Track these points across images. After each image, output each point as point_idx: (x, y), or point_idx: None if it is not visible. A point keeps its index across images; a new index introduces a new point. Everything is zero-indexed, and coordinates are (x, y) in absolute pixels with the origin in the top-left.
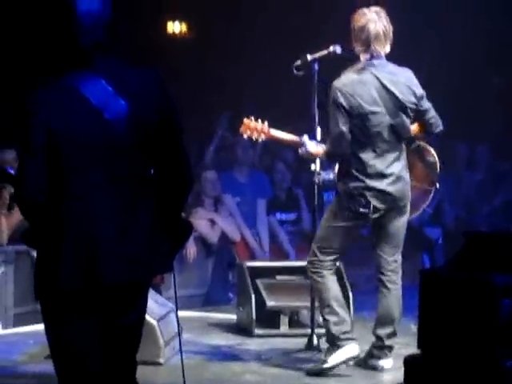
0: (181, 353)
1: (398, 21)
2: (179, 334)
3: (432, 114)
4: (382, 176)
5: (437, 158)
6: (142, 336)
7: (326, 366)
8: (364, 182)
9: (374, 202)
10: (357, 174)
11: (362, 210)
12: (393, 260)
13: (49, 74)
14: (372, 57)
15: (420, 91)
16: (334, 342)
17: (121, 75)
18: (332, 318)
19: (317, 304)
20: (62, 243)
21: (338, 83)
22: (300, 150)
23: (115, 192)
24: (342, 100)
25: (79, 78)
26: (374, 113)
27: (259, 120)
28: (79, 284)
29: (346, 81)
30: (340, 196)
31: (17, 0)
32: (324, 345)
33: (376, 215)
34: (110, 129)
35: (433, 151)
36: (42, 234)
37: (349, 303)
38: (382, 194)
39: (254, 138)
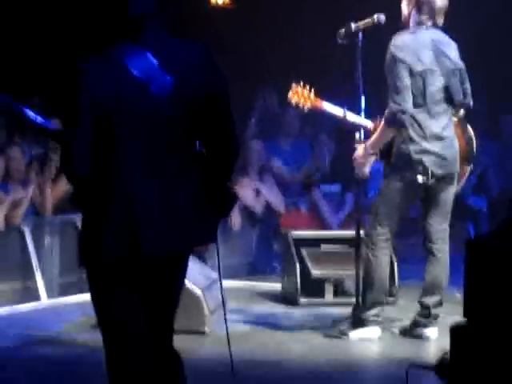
0: (225, 323)
1: None
2: (223, 304)
3: (469, 85)
4: (437, 138)
5: (473, 136)
6: (178, 303)
7: (344, 338)
8: (421, 144)
9: (432, 168)
10: (413, 135)
11: (420, 177)
12: (442, 229)
13: (98, 44)
14: (430, 26)
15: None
16: (361, 319)
17: (169, 49)
18: (369, 297)
19: (362, 273)
20: (106, 214)
21: (396, 41)
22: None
23: (159, 163)
24: (402, 55)
25: (126, 50)
26: (431, 71)
27: (307, 86)
28: (121, 256)
29: (405, 39)
30: (396, 165)
31: None
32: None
33: (432, 182)
34: (155, 102)
35: (471, 129)
36: (88, 203)
37: (394, 272)
38: (438, 157)
39: (300, 105)
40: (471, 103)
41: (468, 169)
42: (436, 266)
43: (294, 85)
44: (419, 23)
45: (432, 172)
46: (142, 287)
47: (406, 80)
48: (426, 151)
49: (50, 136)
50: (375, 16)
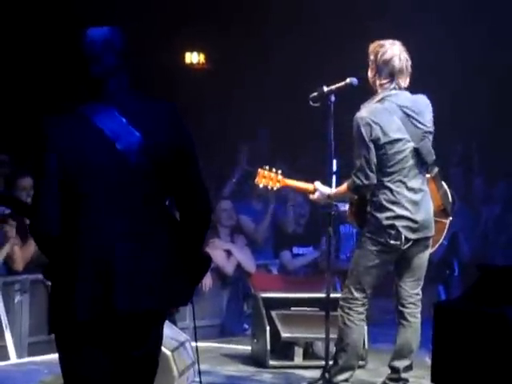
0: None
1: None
2: (198, 364)
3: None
4: (409, 203)
5: (447, 189)
6: (157, 368)
7: None
8: (393, 210)
9: (405, 233)
10: (384, 203)
11: (393, 242)
12: (414, 293)
13: (64, 104)
14: (393, 89)
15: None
16: (331, 382)
17: (135, 107)
18: (341, 361)
19: (333, 336)
20: (77, 274)
21: (360, 114)
22: (311, 196)
23: (130, 222)
24: (365, 130)
25: (93, 108)
26: (398, 140)
27: (273, 169)
28: (94, 314)
29: (369, 110)
30: (369, 230)
31: (34, 28)
32: None
33: (406, 246)
34: (123, 159)
35: (444, 184)
36: (57, 266)
37: (364, 334)
38: (411, 222)
39: (269, 187)
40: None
41: (447, 222)
42: (407, 330)
43: (260, 170)
44: (381, 87)
45: (405, 236)
46: (113, 347)
47: (371, 153)
48: (398, 216)
49: (15, 210)
50: (348, 79)
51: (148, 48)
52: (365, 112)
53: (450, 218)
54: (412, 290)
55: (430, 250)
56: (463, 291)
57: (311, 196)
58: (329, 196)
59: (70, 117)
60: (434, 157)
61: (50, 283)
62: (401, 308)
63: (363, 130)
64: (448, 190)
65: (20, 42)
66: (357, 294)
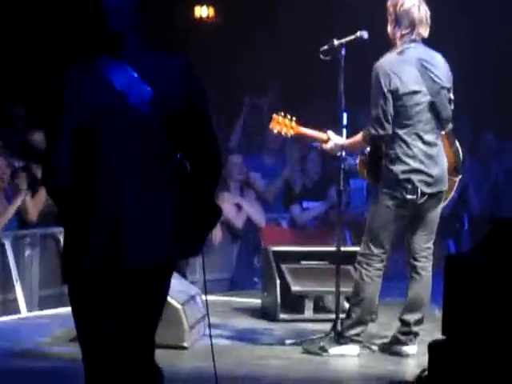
0: (210, 337)
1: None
2: (208, 318)
3: (452, 106)
4: (425, 157)
5: (459, 147)
6: (161, 318)
7: (324, 354)
8: (408, 163)
9: (421, 186)
10: (400, 155)
11: (409, 196)
12: (426, 247)
13: (77, 57)
14: (413, 40)
15: (451, 79)
16: (343, 336)
17: (148, 62)
18: (354, 316)
19: (343, 289)
20: (89, 226)
21: (380, 63)
22: (324, 146)
23: (141, 175)
24: (384, 80)
25: (105, 62)
26: (416, 92)
27: (288, 115)
28: (105, 269)
29: (389, 61)
30: (384, 185)
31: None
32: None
33: (422, 200)
34: (134, 113)
35: (457, 141)
36: (69, 217)
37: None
38: (426, 176)
39: (283, 133)
40: (451, 125)
41: (457, 179)
42: (419, 283)
43: (274, 115)
44: (401, 38)
45: (421, 190)
46: (125, 300)
47: (388, 104)
48: (414, 170)
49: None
50: (358, 33)
51: (158, 3)
52: (384, 62)
53: (460, 176)
54: (425, 244)
55: (442, 205)
56: (474, 244)
57: (324, 145)
58: (342, 146)
59: (81, 70)
60: (450, 113)
61: (61, 236)
62: (413, 262)
63: (382, 79)
64: (460, 148)
65: None
66: (375, 250)
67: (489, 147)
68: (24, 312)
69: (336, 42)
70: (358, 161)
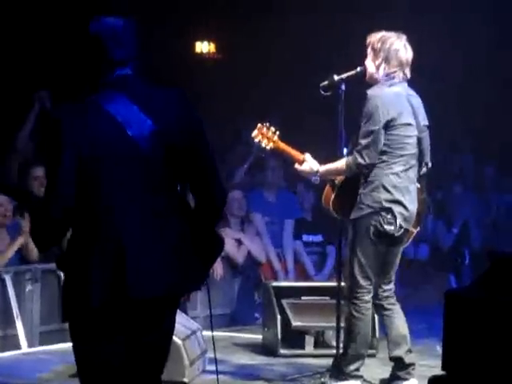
0: (217, 372)
1: None
2: (214, 353)
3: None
4: (406, 191)
5: (426, 197)
6: (168, 355)
7: None
8: (392, 194)
9: (399, 219)
10: (386, 184)
11: (386, 226)
12: (388, 288)
13: (74, 93)
14: (399, 79)
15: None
16: (342, 372)
17: (146, 94)
18: (350, 351)
19: (343, 324)
20: (90, 262)
21: (377, 93)
22: (299, 167)
23: (141, 209)
24: (382, 109)
25: (103, 96)
26: (409, 124)
27: (272, 128)
28: (108, 298)
29: (385, 92)
30: (362, 216)
31: (46, 17)
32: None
33: (398, 234)
34: (135, 145)
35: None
36: (69, 255)
37: (374, 324)
38: (405, 210)
39: (263, 145)
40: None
41: (415, 231)
42: (394, 317)
43: (259, 125)
44: (388, 75)
45: (399, 223)
46: (127, 332)
47: (381, 135)
48: (395, 201)
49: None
50: (358, 68)
51: (158, 37)
52: (381, 92)
53: (418, 229)
54: (386, 286)
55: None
56: (474, 279)
57: (297, 166)
58: (317, 171)
59: (80, 105)
60: (429, 155)
61: (62, 274)
62: (378, 302)
63: (380, 108)
64: (427, 199)
65: None
66: (362, 282)
67: (489, 182)
68: (25, 347)
69: (336, 78)
70: (320, 182)
